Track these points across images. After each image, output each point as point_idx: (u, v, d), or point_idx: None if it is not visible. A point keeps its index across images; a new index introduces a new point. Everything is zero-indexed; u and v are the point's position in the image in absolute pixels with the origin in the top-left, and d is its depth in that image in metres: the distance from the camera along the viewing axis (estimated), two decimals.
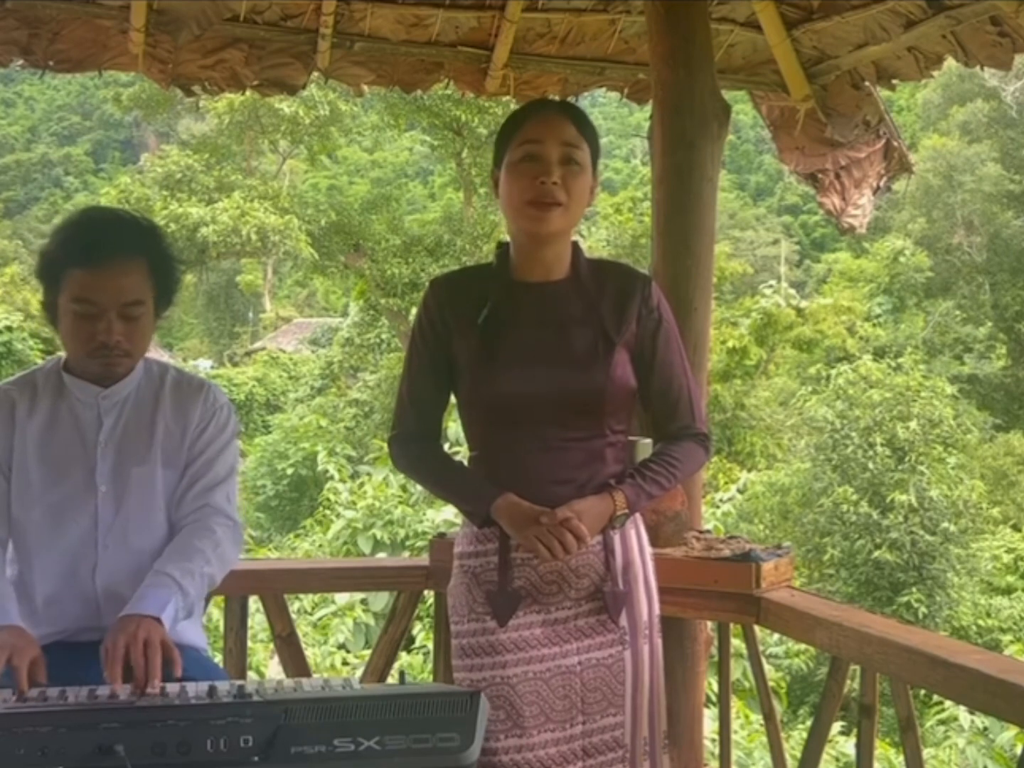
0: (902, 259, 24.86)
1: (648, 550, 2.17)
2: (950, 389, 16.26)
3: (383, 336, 20.55)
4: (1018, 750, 7.72)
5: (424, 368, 2.14)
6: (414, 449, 2.17)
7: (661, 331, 2.11)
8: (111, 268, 2.02)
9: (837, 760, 7.56)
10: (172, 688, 1.71)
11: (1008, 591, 14.89)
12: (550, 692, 2.03)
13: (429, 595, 3.30)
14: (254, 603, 3.06)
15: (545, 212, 2.01)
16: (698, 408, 2.17)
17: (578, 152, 2.04)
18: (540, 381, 2.02)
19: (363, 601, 10.11)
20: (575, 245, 2.14)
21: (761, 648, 2.91)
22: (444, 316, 2.10)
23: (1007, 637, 13.47)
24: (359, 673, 3.22)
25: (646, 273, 2.21)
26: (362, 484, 12.87)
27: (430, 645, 7.14)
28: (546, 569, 2.04)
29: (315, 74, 3.43)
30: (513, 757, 2.00)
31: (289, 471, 17.95)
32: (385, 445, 2.24)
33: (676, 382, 2.13)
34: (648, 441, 2.28)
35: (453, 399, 2.18)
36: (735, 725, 6.98)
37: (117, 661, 1.76)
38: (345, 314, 23.68)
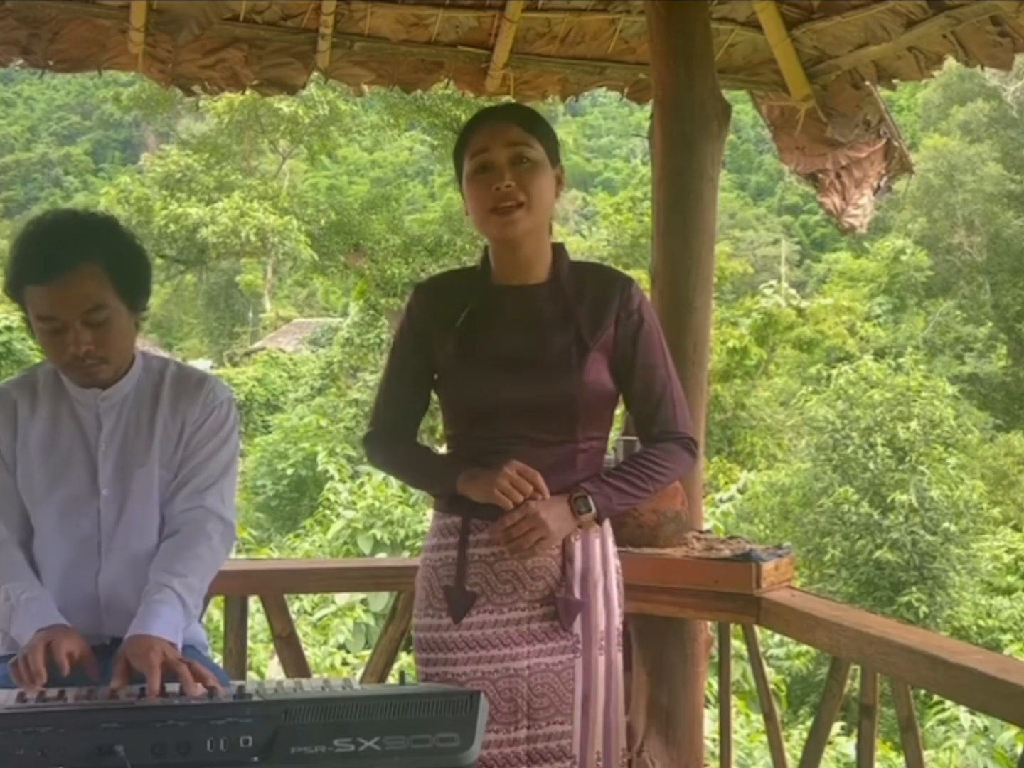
0: (903, 259, 24.86)
1: (614, 562, 2.15)
2: (951, 389, 16.26)
3: (383, 336, 20.48)
4: (1018, 750, 7.71)
5: (404, 371, 2.16)
6: (387, 447, 2.19)
7: (642, 333, 2.09)
8: (64, 278, 1.94)
9: (837, 760, 7.55)
10: (172, 688, 1.71)
11: (1008, 591, 14.90)
12: (496, 693, 2.03)
13: None
14: (254, 603, 3.06)
15: (507, 216, 2.01)
16: (681, 411, 2.13)
17: (528, 150, 2.03)
18: (514, 384, 2.02)
19: (363, 601, 10.10)
20: (559, 248, 2.13)
21: (761, 649, 2.91)
22: (425, 320, 2.12)
23: (1007, 637, 13.47)
24: (359, 673, 3.22)
25: (629, 275, 2.20)
26: (362, 484, 12.86)
27: None
28: (501, 568, 2.04)
29: (315, 74, 3.43)
30: None
31: (289, 471, 17.94)
32: None
33: (658, 385, 2.11)
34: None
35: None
36: (735, 725, 6.98)
37: (157, 677, 1.72)
38: (345, 314, 23.64)
